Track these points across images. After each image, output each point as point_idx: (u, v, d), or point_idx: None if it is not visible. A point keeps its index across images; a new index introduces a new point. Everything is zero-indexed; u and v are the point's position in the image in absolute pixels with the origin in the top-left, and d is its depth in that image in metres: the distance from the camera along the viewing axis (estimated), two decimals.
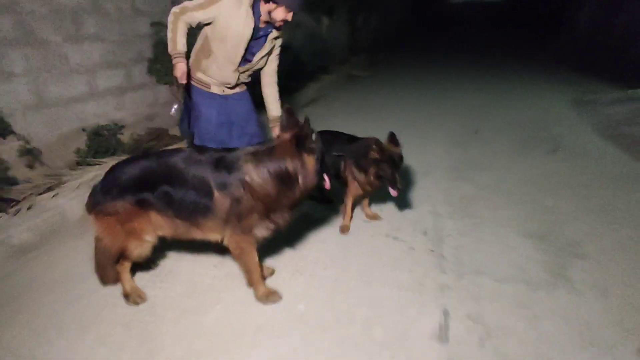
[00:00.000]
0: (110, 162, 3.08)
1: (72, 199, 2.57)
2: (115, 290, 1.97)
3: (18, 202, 2.45)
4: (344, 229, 2.52)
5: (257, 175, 1.68)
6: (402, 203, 2.85)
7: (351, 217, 2.57)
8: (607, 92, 6.23)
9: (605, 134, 4.36)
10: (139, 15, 3.67)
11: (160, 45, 3.81)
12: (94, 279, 2.03)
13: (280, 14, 2.15)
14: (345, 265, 2.20)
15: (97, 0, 3.23)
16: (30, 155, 2.62)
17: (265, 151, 1.73)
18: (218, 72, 2.33)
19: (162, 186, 1.73)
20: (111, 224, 1.76)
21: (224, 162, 1.73)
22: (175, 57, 2.20)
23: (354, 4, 9.07)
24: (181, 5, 2.18)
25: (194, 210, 1.73)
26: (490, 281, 2.03)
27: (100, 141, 3.04)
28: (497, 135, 4.43)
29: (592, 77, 7.72)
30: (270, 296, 1.90)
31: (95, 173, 2.90)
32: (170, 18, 2.18)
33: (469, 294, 1.94)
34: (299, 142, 1.70)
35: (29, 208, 2.43)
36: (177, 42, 2.18)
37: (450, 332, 1.72)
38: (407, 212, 2.76)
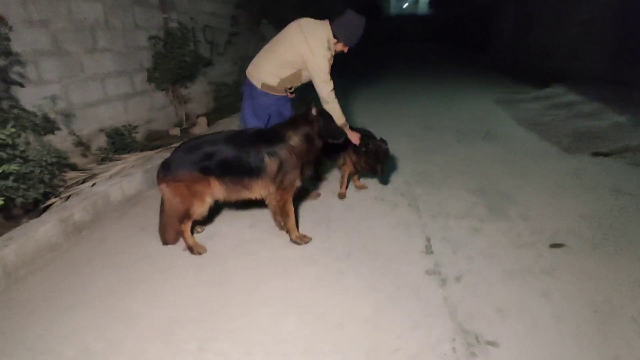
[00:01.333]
0: (129, 157, 3.51)
1: (111, 185, 2.99)
2: (177, 249, 2.48)
3: (66, 188, 2.83)
4: (341, 196, 3.23)
5: (297, 139, 2.38)
6: (383, 178, 3.64)
7: (347, 186, 3.29)
8: (526, 92, 7.72)
9: (524, 124, 5.58)
10: (139, 29, 4.13)
11: (159, 56, 4.29)
12: (152, 244, 2.54)
13: (340, 47, 2.88)
14: (350, 217, 2.91)
15: (108, 17, 3.67)
16: (82, 146, 3.00)
17: (293, 124, 2.44)
18: (294, 85, 2.99)
19: (219, 156, 2.31)
20: (180, 188, 2.30)
21: (267, 136, 2.38)
22: (347, 127, 2.90)
23: None
24: (326, 79, 2.75)
25: (247, 174, 2.34)
26: (454, 219, 2.86)
27: (120, 139, 3.46)
28: (444, 129, 5.45)
29: (514, 81, 9.35)
30: (303, 238, 2.54)
31: (121, 166, 3.33)
32: (331, 94, 2.79)
33: (441, 227, 2.75)
34: (308, 117, 2.47)
35: (77, 194, 2.82)
36: (343, 114, 2.87)
37: (433, 248, 2.49)
38: (387, 183, 3.55)
